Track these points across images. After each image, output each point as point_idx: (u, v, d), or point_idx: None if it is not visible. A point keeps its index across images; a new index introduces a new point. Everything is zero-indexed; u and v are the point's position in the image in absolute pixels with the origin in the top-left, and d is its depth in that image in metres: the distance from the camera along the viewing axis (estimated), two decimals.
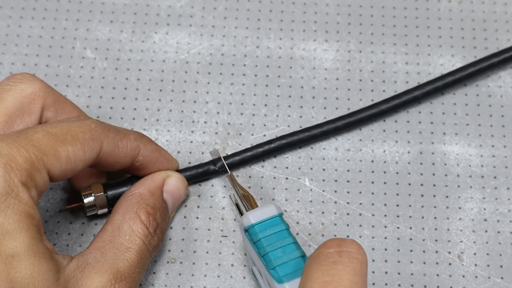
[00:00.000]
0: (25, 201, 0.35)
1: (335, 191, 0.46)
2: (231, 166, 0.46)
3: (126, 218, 0.40)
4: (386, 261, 0.44)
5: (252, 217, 0.40)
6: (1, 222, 0.34)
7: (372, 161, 0.47)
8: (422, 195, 0.46)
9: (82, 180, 0.44)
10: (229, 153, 0.46)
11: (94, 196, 0.43)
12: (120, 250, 0.39)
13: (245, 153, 0.46)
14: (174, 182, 0.43)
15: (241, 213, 0.42)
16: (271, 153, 0.46)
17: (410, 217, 0.45)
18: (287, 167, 0.47)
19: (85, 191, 0.43)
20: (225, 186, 0.46)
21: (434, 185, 0.46)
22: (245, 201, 0.42)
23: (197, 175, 0.45)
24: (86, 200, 0.43)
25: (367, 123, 0.48)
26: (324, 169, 0.46)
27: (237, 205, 0.42)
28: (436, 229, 0.45)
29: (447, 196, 0.46)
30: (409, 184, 0.46)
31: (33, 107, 0.40)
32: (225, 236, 0.44)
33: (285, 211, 0.45)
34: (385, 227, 0.45)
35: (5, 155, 0.34)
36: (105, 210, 0.43)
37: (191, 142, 0.47)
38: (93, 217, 0.45)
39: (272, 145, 0.46)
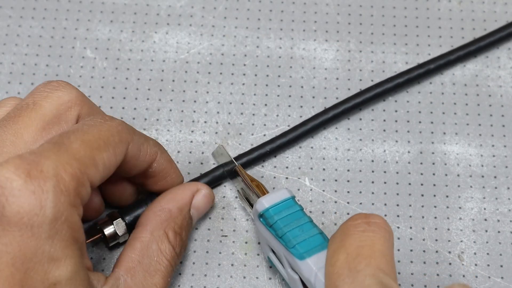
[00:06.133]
0: (72, 225, 0.34)
1: (335, 191, 0.46)
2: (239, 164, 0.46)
3: (155, 236, 0.40)
4: None
5: (266, 201, 0.40)
6: (48, 249, 0.33)
7: (372, 161, 0.47)
8: (422, 195, 0.46)
9: (119, 195, 0.43)
10: (230, 153, 0.46)
11: (113, 224, 0.42)
12: (149, 272, 0.39)
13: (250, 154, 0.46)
14: (202, 198, 0.43)
15: (251, 205, 0.42)
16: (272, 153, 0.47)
17: (410, 216, 0.45)
18: (287, 167, 0.47)
19: (101, 221, 0.42)
20: (225, 186, 0.46)
21: (434, 184, 0.46)
22: (256, 189, 0.42)
23: (212, 181, 0.45)
24: (107, 231, 0.42)
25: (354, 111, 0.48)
26: (324, 169, 0.46)
27: (248, 196, 0.42)
28: (436, 228, 0.45)
29: (447, 196, 0.46)
30: (409, 183, 0.46)
31: (69, 115, 0.39)
32: (225, 236, 0.44)
33: None
34: None
35: (54, 176, 0.33)
36: (127, 236, 0.42)
37: (191, 141, 0.47)
38: (114, 246, 0.43)
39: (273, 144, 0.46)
